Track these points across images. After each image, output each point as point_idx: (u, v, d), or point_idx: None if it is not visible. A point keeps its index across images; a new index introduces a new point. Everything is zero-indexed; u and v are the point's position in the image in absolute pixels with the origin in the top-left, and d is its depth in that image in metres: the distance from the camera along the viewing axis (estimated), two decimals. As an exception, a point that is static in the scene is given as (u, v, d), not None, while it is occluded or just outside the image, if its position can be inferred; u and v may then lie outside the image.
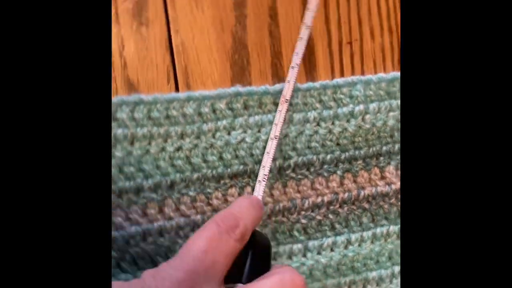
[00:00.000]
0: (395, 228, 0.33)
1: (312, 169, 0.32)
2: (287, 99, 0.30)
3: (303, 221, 0.32)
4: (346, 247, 0.33)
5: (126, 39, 0.29)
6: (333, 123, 0.32)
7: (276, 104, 0.31)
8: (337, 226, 0.32)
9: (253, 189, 0.30)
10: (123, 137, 0.28)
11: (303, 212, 0.32)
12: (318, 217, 0.32)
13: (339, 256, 0.32)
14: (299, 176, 0.31)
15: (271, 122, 0.31)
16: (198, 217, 0.29)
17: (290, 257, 0.32)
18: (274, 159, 0.30)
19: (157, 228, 0.29)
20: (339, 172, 0.32)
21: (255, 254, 0.26)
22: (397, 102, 0.33)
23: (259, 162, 0.30)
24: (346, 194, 0.32)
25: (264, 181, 0.29)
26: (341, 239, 0.33)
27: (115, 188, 0.28)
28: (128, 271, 0.29)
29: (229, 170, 0.30)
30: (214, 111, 0.30)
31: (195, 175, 0.30)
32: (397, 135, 0.33)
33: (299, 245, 0.32)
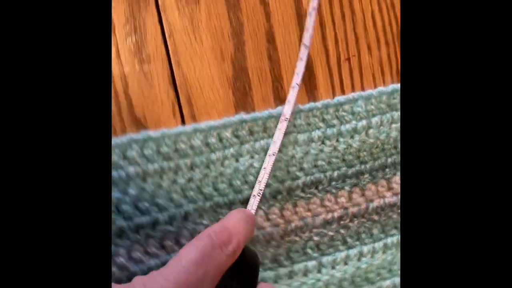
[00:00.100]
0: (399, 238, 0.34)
1: (320, 187, 0.33)
2: (287, 118, 0.31)
3: (316, 238, 0.33)
4: (359, 259, 0.34)
5: (130, 77, 0.30)
6: (337, 141, 0.33)
7: (280, 128, 0.31)
8: (349, 240, 0.33)
9: (265, 213, 0.31)
10: (136, 175, 0.29)
11: (315, 230, 0.33)
12: (330, 233, 0.33)
13: (353, 268, 0.33)
14: (308, 195, 0.32)
15: (278, 144, 0.31)
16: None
17: (305, 275, 0.33)
18: (282, 181, 0.31)
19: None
20: (347, 188, 0.33)
21: (243, 271, 0.27)
22: (399, 113, 0.33)
23: (268, 185, 0.31)
24: (356, 208, 0.33)
25: (259, 195, 0.30)
26: (353, 252, 0.34)
27: (132, 225, 0.29)
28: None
29: (239, 196, 0.31)
30: (220, 140, 0.31)
31: (208, 204, 0.30)
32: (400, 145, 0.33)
33: (314, 262, 0.33)
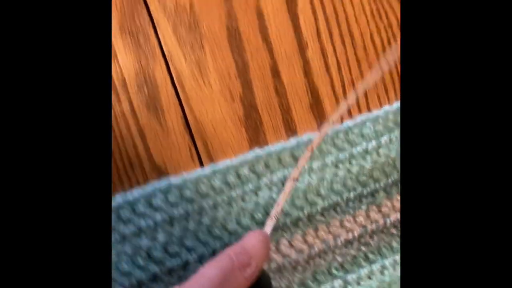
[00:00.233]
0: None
1: (338, 209, 0.34)
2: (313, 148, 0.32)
3: (339, 258, 0.34)
4: (382, 273, 0.35)
5: (146, 129, 0.31)
6: (350, 163, 0.34)
7: (293, 157, 0.33)
8: (370, 256, 0.35)
9: (288, 241, 0.32)
10: (163, 221, 0.31)
11: (337, 250, 0.34)
12: (352, 252, 0.35)
13: (377, 282, 0.35)
14: (328, 218, 0.34)
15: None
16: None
17: (333, 294, 0.34)
18: (302, 208, 0.33)
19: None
20: (363, 207, 0.34)
21: None
22: (406, 129, 0.35)
23: (288, 215, 0.33)
24: (374, 225, 0.35)
25: (275, 218, 0.32)
26: (376, 266, 0.35)
27: (164, 269, 0.31)
28: None
29: (261, 227, 0.32)
30: (239, 177, 0.32)
31: (233, 239, 0.32)
32: (411, 160, 0.35)
33: (339, 281, 0.34)
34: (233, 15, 0.32)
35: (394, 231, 0.35)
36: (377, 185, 0.34)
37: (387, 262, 0.35)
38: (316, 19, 0.33)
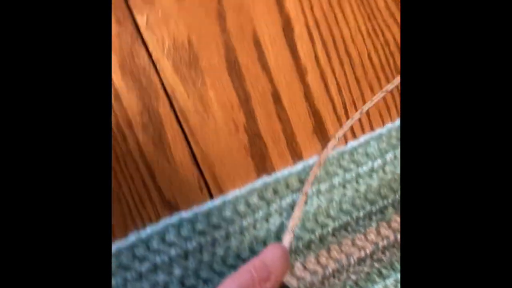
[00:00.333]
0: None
1: (349, 229, 0.34)
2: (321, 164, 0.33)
3: (353, 276, 0.34)
4: (396, 287, 0.35)
5: (154, 166, 0.31)
6: (357, 183, 0.34)
7: (301, 181, 0.33)
8: (383, 271, 0.35)
9: (302, 264, 0.33)
10: (177, 256, 0.31)
11: (351, 269, 0.34)
12: (366, 269, 0.35)
13: (392, 296, 0.35)
14: (340, 238, 0.34)
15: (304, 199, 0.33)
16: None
17: (349, 312, 0.34)
18: (313, 231, 0.33)
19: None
20: (374, 224, 0.34)
21: None
22: (410, 144, 0.35)
23: (300, 238, 0.33)
24: (385, 241, 0.35)
25: (293, 232, 0.32)
26: (390, 281, 0.35)
27: (181, 303, 0.31)
28: None
29: (276, 253, 0.32)
30: (249, 206, 0.32)
31: (247, 267, 0.32)
32: (417, 174, 0.35)
33: (355, 299, 0.34)
34: (231, 47, 0.32)
35: (405, 245, 0.35)
36: (386, 202, 0.35)
37: (400, 275, 0.35)
38: (313, 43, 0.33)
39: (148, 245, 0.31)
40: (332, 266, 0.34)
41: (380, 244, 0.35)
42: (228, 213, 0.32)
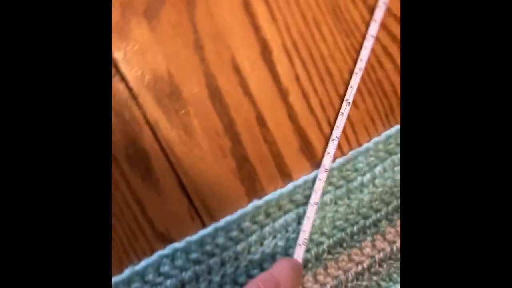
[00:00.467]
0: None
1: (344, 245, 0.33)
2: (326, 169, 0.32)
3: (352, 292, 0.33)
4: (395, 298, 0.34)
5: (144, 199, 0.30)
6: (348, 198, 0.33)
7: (292, 202, 0.32)
8: (382, 283, 0.34)
9: (302, 286, 0.32)
10: (174, 286, 0.30)
11: (349, 284, 0.33)
12: (364, 283, 0.34)
13: (392, 308, 0.34)
14: (336, 255, 0.33)
15: (294, 220, 0.32)
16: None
17: (351, 327, 0.33)
18: (308, 249, 0.32)
19: None
20: (369, 238, 0.34)
21: None
22: (398, 156, 0.34)
23: (306, 251, 0.32)
24: (381, 254, 0.34)
25: (304, 244, 0.31)
26: (389, 292, 0.34)
27: (181, 334, 0.30)
28: None
29: (272, 275, 0.32)
30: (242, 231, 0.31)
31: (245, 292, 0.31)
32: (407, 184, 0.34)
33: (355, 313, 0.33)
34: (211, 75, 0.32)
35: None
36: (379, 215, 0.34)
37: (399, 286, 0.34)
38: (292, 63, 0.33)
39: (144, 278, 0.30)
40: (330, 283, 0.33)
41: (377, 257, 0.34)
42: (221, 239, 0.31)
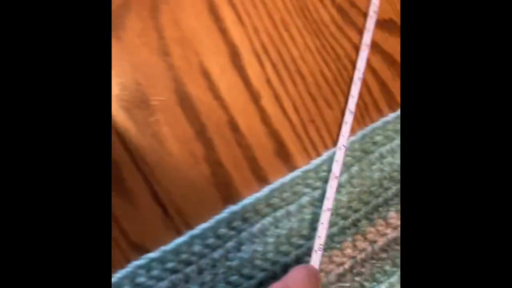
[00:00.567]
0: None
1: (324, 246, 0.32)
2: (336, 176, 0.31)
3: (335, 294, 0.32)
4: (381, 298, 0.33)
5: (117, 210, 0.29)
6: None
7: (270, 206, 0.31)
8: (365, 284, 0.33)
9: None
10: (150, 298, 0.29)
11: (332, 286, 0.32)
12: (347, 284, 0.32)
13: (377, 308, 0.33)
14: (315, 258, 0.32)
15: (272, 224, 0.31)
16: None
17: (335, 329, 0.32)
18: (287, 253, 0.31)
19: None
20: (349, 238, 0.32)
21: None
22: (375, 154, 0.33)
23: (276, 263, 0.31)
24: (363, 254, 0.33)
25: (320, 250, 0.30)
26: (374, 293, 0.33)
27: None
28: None
29: (252, 281, 0.30)
30: (218, 237, 0.30)
31: (225, 299, 0.30)
32: (385, 183, 0.33)
33: (340, 315, 0.32)
34: (179, 81, 0.31)
35: (384, 255, 0.33)
36: (358, 215, 0.33)
37: (383, 286, 0.33)
38: (263, 66, 0.32)
39: (120, 290, 0.29)
40: (312, 286, 0.32)
41: (358, 257, 0.33)
42: (197, 247, 0.30)
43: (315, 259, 0.29)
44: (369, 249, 0.33)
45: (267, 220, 0.31)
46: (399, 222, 0.33)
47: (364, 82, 0.33)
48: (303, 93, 0.32)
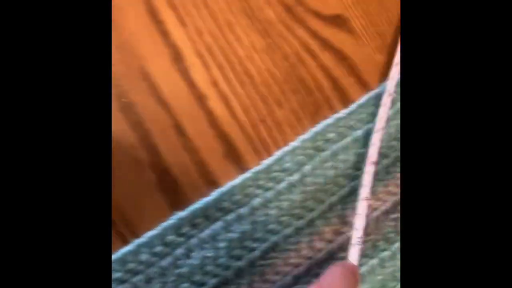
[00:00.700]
0: (373, 262, 0.32)
1: (280, 248, 0.30)
2: (373, 161, 0.30)
3: (293, 297, 0.30)
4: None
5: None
6: (279, 200, 0.30)
7: (221, 210, 0.29)
8: (325, 285, 0.31)
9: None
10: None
11: (289, 290, 0.30)
12: (305, 286, 0.31)
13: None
14: (270, 260, 0.30)
15: (223, 228, 0.29)
16: None
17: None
18: (240, 257, 0.29)
19: None
20: (304, 239, 0.31)
21: None
22: (327, 152, 0.31)
23: (228, 268, 0.29)
24: (320, 254, 0.31)
25: (358, 244, 0.28)
26: (333, 294, 0.31)
27: None
28: None
29: (204, 288, 0.29)
30: (166, 245, 0.29)
31: (176, 308, 0.28)
32: (340, 180, 0.31)
33: (299, 321, 0.30)
34: (120, 87, 0.29)
35: (342, 254, 0.31)
36: (313, 214, 0.31)
37: (343, 287, 0.31)
38: (207, 68, 0.30)
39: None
40: (269, 290, 0.30)
41: (315, 257, 0.31)
42: (145, 256, 0.28)
43: (353, 254, 0.27)
44: (326, 248, 0.31)
45: (218, 224, 0.29)
46: (355, 220, 0.31)
47: (313, 78, 0.31)
48: (251, 93, 0.31)
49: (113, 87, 0.28)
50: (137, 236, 0.28)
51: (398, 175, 0.33)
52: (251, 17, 0.31)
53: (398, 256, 0.31)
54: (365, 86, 0.33)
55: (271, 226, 0.30)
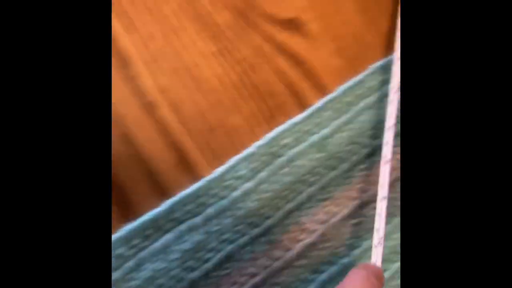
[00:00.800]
0: (336, 268, 0.30)
1: (237, 257, 0.29)
2: (388, 160, 0.28)
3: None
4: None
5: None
6: (234, 209, 0.29)
7: (174, 220, 0.28)
8: (283, 294, 0.30)
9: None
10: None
11: (247, 298, 0.29)
12: (263, 295, 0.29)
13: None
14: (226, 271, 0.29)
15: (176, 238, 0.28)
16: None
17: None
18: (194, 269, 0.28)
19: None
20: (262, 247, 0.29)
21: None
22: (284, 158, 0.30)
23: (182, 280, 0.27)
24: (279, 263, 0.29)
25: (381, 245, 0.26)
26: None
27: None
28: None
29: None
30: (116, 257, 0.27)
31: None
32: (297, 186, 0.30)
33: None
34: (67, 98, 0.28)
35: (304, 261, 0.30)
36: (269, 221, 0.30)
37: (304, 295, 0.30)
38: (154, 76, 0.29)
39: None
40: (226, 301, 0.28)
41: (274, 265, 0.29)
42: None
43: (376, 256, 0.25)
44: (284, 257, 0.29)
45: (171, 235, 0.28)
46: (315, 227, 0.30)
47: (267, 83, 0.30)
48: (202, 100, 0.29)
49: (57, 98, 0.27)
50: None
51: (358, 180, 0.31)
52: (199, 23, 0.30)
53: (358, 263, 0.30)
54: (321, 90, 0.31)
55: (226, 236, 0.29)
